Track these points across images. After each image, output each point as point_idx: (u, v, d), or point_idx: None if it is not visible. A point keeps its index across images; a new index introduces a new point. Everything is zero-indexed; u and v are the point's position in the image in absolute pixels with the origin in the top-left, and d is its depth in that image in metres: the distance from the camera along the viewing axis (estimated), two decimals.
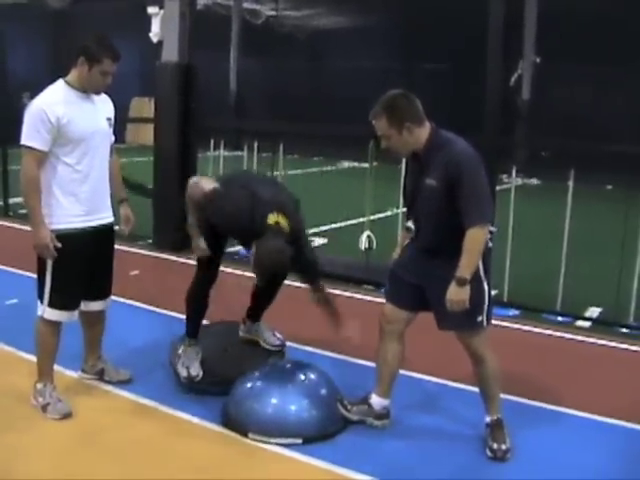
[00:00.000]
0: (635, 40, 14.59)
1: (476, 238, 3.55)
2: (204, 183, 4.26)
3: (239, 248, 7.40)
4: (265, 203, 3.99)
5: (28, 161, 3.84)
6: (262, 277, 4.03)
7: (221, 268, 4.50)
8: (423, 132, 3.70)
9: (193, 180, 4.36)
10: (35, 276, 4.09)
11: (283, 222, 3.96)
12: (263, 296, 4.72)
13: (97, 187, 4.08)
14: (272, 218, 3.93)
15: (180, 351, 4.51)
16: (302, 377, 4.15)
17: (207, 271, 4.42)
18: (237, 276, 6.85)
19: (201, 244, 4.32)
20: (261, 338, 4.76)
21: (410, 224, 3.85)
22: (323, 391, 4.11)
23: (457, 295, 3.57)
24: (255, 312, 4.78)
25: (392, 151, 3.79)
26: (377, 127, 3.72)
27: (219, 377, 4.40)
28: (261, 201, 4.00)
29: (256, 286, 4.71)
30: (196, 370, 4.42)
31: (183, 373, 4.43)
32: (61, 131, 3.85)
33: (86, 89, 3.99)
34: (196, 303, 4.48)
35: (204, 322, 4.62)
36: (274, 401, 3.96)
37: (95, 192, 4.06)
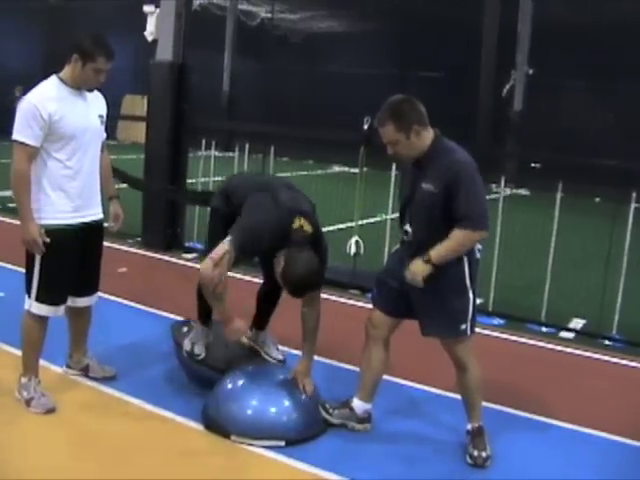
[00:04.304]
0: (628, 56, 14.72)
1: (463, 238, 3.59)
2: (221, 249, 3.75)
3: None
4: (288, 208, 3.90)
5: (19, 156, 3.84)
6: (293, 290, 3.85)
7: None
8: (428, 135, 3.70)
9: (209, 264, 3.73)
10: (23, 270, 4.09)
11: (307, 226, 3.90)
12: (267, 301, 4.62)
13: (87, 184, 4.09)
14: (297, 222, 3.86)
15: (187, 330, 4.51)
16: (282, 379, 4.16)
17: None
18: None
19: (241, 325, 4.08)
20: (263, 349, 4.66)
21: (407, 227, 3.82)
22: (304, 394, 4.10)
23: (418, 268, 3.60)
24: (260, 319, 4.66)
25: (398, 158, 3.80)
26: (383, 134, 3.69)
27: (216, 365, 4.38)
28: (284, 206, 3.91)
29: (260, 291, 4.65)
30: (200, 349, 4.40)
31: (187, 347, 4.42)
32: (53, 127, 3.86)
33: (79, 86, 4.00)
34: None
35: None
36: (254, 403, 3.96)
37: (85, 188, 4.07)
